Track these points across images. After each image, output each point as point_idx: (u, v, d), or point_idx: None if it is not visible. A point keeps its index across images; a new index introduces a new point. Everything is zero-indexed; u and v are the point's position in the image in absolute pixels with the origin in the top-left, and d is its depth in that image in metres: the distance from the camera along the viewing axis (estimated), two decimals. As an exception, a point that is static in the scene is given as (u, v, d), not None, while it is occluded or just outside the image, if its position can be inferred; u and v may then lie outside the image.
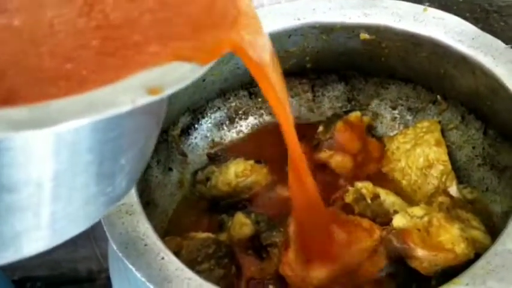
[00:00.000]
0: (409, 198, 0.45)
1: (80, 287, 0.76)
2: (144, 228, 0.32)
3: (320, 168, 0.46)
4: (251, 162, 0.47)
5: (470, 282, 0.29)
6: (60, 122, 0.19)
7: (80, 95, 0.20)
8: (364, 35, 0.48)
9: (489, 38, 0.42)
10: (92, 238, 0.71)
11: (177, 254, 0.40)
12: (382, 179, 0.46)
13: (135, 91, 0.21)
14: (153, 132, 0.27)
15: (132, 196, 0.35)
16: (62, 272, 0.76)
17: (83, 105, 0.20)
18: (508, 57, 0.41)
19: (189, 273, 0.30)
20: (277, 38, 0.49)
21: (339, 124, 0.47)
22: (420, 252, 0.38)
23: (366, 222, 0.41)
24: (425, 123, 0.49)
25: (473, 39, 0.42)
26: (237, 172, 0.46)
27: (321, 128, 0.48)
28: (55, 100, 0.20)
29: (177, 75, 0.22)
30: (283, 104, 0.33)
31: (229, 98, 0.53)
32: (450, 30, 0.43)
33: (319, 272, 0.40)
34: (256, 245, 0.42)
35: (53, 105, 0.20)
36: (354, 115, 0.48)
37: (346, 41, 0.49)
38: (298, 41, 0.49)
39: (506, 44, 0.44)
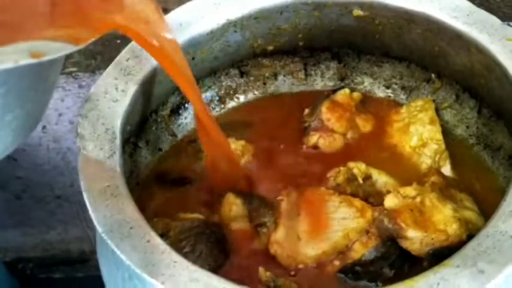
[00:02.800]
0: (402, 178, 0.44)
1: (72, 268, 0.76)
2: (130, 210, 0.32)
3: (313, 150, 0.46)
4: (242, 142, 0.46)
5: (461, 264, 0.28)
6: None
7: None
8: (357, 12, 0.47)
9: (484, 14, 0.41)
10: (83, 219, 0.71)
11: (165, 235, 0.39)
12: (375, 157, 0.45)
13: (20, 53, 0.25)
14: (42, 97, 0.32)
15: (118, 177, 0.34)
16: (53, 253, 0.76)
17: None
18: (504, 34, 0.40)
19: (175, 256, 0.30)
20: (269, 15, 0.48)
21: (325, 104, 0.46)
22: (411, 232, 0.38)
23: (357, 202, 0.41)
24: (420, 102, 0.48)
25: (468, 15, 0.41)
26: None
27: (307, 111, 0.47)
28: None
29: (58, 46, 0.26)
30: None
31: (219, 77, 0.52)
32: (445, 6, 0.42)
33: (309, 251, 0.39)
34: (247, 225, 0.42)
35: None
36: (342, 93, 0.47)
37: (339, 18, 0.48)
38: (290, 17, 0.48)
39: (503, 20, 0.43)
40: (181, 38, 0.45)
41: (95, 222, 0.31)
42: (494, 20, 0.41)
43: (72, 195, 0.69)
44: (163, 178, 0.46)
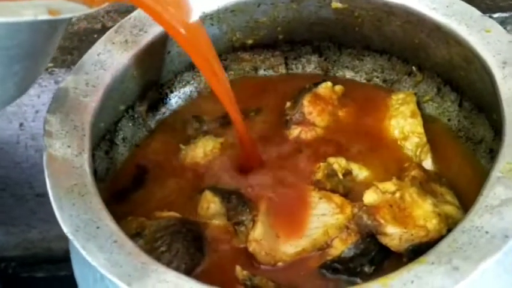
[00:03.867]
0: (383, 172, 0.43)
1: (55, 267, 0.75)
2: (97, 210, 0.31)
3: (297, 143, 0.45)
4: (221, 140, 0.45)
5: (436, 260, 0.28)
6: None
7: None
8: (335, 4, 0.46)
9: (464, 5, 0.41)
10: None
11: (140, 234, 0.38)
12: (357, 151, 0.45)
13: (38, 9, 0.25)
14: (46, 52, 0.33)
15: (86, 176, 0.33)
16: (35, 252, 0.75)
17: None
18: (483, 25, 0.39)
19: (142, 256, 0.29)
20: (245, 8, 0.47)
21: (307, 98, 0.45)
22: (391, 228, 0.37)
23: (337, 198, 0.40)
24: (401, 95, 0.47)
25: (447, 6, 0.41)
26: (205, 151, 0.45)
27: (288, 104, 0.46)
28: None
29: (72, 6, 0.27)
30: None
31: (198, 72, 0.51)
32: (424, -2, 0.42)
33: (288, 249, 0.38)
34: (225, 223, 0.41)
35: None
36: (324, 86, 0.46)
37: (317, 10, 0.47)
38: (268, 10, 0.47)
39: (485, 12, 0.42)
40: (156, 30, 0.44)
41: (60, 222, 0.30)
42: (473, 11, 0.40)
43: (52, 193, 0.68)
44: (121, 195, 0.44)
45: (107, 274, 0.28)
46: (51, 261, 0.75)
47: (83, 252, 0.28)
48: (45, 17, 0.26)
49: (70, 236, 0.29)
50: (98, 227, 0.30)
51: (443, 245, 0.29)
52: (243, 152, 0.43)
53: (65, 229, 0.30)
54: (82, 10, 0.28)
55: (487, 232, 0.28)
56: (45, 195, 0.70)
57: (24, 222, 0.72)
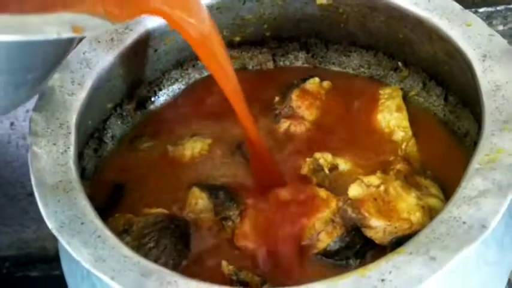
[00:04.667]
0: (369, 166, 0.44)
1: (48, 266, 0.75)
2: (82, 206, 0.31)
3: (286, 136, 0.45)
4: (209, 141, 0.46)
5: (414, 251, 0.28)
6: None
7: (14, 16, 0.25)
8: (320, 0, 0.46)
9: (445, 0, 0.41)
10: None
11: (126, 231, 0.39)
12: (344, 145, 0.45)
13: (62, 26, 0.25)
14: (57, 63, 0.34)
15: (71, 172, 0.33)
16: (29, 252, 0.75)
17: (17, 24, 0.24)
18: (464, 19, 0.40)
19: (126, 250, 0.29)
20: (231, 5, 0.47)
21: (295, 92, 0.46)
22: (375, 221, 0.38)
23: (322, 193, 0.41)
24: (387, 90, 0.48)
25: (429, 1, 0.41)
26: (194, 153, 0.45)
27: (277, 99, 0.46)
28: None
29: (95, 22, 0.27)
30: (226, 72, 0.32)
31: (187, 69, 0.51)
32: (406, -7, 0.42)
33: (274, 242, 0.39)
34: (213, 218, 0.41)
35: None
36: (312, 81, 0.47)
37: (303, 7, 0.48)
38: (254, 7, 0.48)
39: (471, 7, 0.43)
40: (142, 29, 0.44)
41: (45, 219, 0.30)
42: (454, 5, 0.41)
43: (44, 192, 0.68)
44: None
45: (91, 269, 0.28)
46: (45, 260, 0.76)
47: (68, 248, 0.29)
48: (68, 35, 0.25)
49: (55, 232, 0.30)
50: (82, 223, 0.30)
51: (421, 236, 0.29)
52: (259, 168, 0.42)
53: (50, 225, 0.30)
54: (105, 26, 0.27)
55: (464, 222, 0.29)
56: (37, 194, 0.71)
57: (17, 222, 0.73)
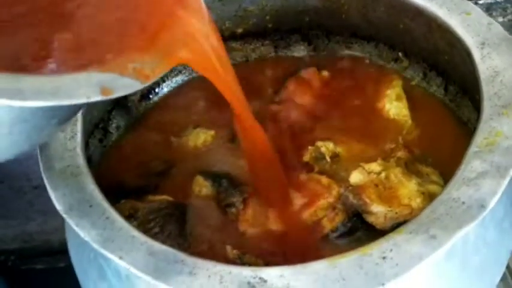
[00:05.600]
0: (369, 153, 0.44)
1: (53, 259, 0.76)
2: (90, 189, 0.32)
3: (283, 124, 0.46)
4: (212, 132, 0.46)
5: (414, 230, 0.29)
6: (29, 100, 0.24)
7: (47, 77, 0.25)
8: (322, -9, 0.47)
9: (445, -11, 0.42)
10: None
11: (132, 216, 0.39)
12: (344, 133, 0.45)
13: (92, 88, 0.25)
14: (81, 106, 0.34)
15: (79, 157, 0.34)
16: (34, 245, 0.76)
17: (49, 89, 0.24)
18: (463, 8, 0.40)
19: (133, 231, 0.30)
20: (234, -4, 0.48)
21: (291, 80, 0.46)
22: (376, 207, 0.38)
23: (324, 180, 0.41)
24: (387, 79, 0.48)
25: (428, -9, 0.42)
26: (197, 144, 0.46)
27: (270, 90, 0.47)
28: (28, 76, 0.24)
29: (124, 82, 0.27)
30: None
31: (189, 61, 0.52)
32: (406, -18, 0.43)
33: (278, 229, 0.39)
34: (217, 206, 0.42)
35: (25, 81, 0.24)
36: (308, 71, 0.47)
37: (304, -2, 0.48)
38: (256, -1, 0.49)
39: (470, -3, 0.43)
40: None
41: (54, 201, 0.31)
42: (453, -6, 0.41)
43: (49, 185, 0.69)
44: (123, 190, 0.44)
45: (100, 249, 0.29)
46: (50, 253, 0.76)
47: (77, 229, 0.30)
48: (97, 98, 0.25)
49: (64, 215, 0.31)
50: (90, 206, 0.31)
51: (421, 216, 0.30)
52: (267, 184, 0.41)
53: (59, 207, 0.31)
54: (134, 87, 0.27)
55: (463, 203, 0.29)
56: (42, 187, 0.72)
57: (22, 215, 0.73)
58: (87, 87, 0.25)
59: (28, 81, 0.24)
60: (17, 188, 0.70)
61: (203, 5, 0.33)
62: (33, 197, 0.71)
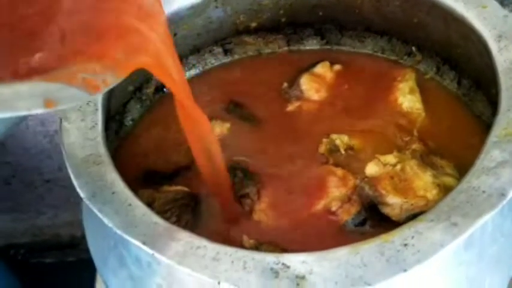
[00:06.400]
0: (383, 146, 0.45)
1: (63, 253, 0.77)
2: (112, 177, 0.32)
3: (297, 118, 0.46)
4: (227, 125, 0.47)
5: (435, 218, 0.29)
6: None
7: None
8: (336, -15, 0.47)
9: (460, -18, 0.42)
10: (73, 203, 0.71)
11: (149, 205, 0.40)
12: (357, 126, 0.46)
13: (33, 100, 0.24)
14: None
15: (100, 147, 0.34)
16: (44, 239, 0.77)
17: None
18: (479, 1, 0.40)
19: (155, 217, 0.30)
20: (248, -9, 0.48)
21: (304, 76, 0.46)
22: (391, 199, 0.39)
23: (339, 171, 0.42)
24: (401, 72, 0.48)
25: (444, -16, 0.42)
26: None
27: (285, 84, 0.47)
28: None
29: (71, 92, 0.25)
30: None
31: (203, 55, 0.52)
32: (421, -24, 0.43)
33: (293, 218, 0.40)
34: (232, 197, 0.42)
35: None
36: (321, 65, 0.48)
37: (318, -8, 0.49)
38: (271, -8, 0.49)
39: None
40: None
41: (78, 189, 0.31)
42: (469, -12, 0.41)
43: (61, 179, 0.69)
44: (152, 177, 0.44)
45: (123, 234, 0.29)
46: (60, 247, 0.77)
47: (100, 215, 0.30)
48: (39, 110, 0.24)
49: (87, 201, 0.31)
50: (113, 192, 0.31)
51: (442, 205, 0.30)
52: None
53: (82, 194, 0.31)
54: (80, 98, 0.26)
55: (484, 191, 0.30)
56: (53, 180, 0.72)
57: (33, 209, 0.74)
58: (29, 99, 0.24)
59: None
60: (28, 182, 0.70)
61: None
62: (44, 191, 0.71)
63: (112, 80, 0.27)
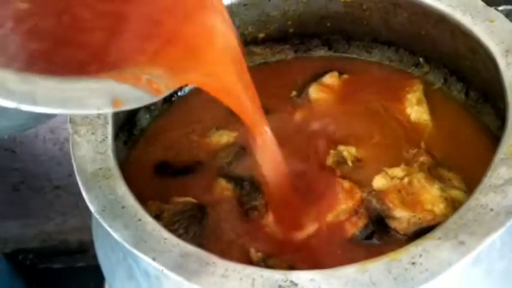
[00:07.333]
0: (390, 158, 0.45)
1: (71, 258, 0.77)
2: (122, 191, 0.33)
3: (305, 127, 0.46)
4: (234, 134, 0.47)
5: (443, 236, 0.29)
6: (40, 105, 0.23)
7: (61, 82, 0.23)
8: (344, -4, 0.48)
9: (468, -4, 0.42)
10: (81, 208, 0.72)
11: (158, 217, 0.40)
12: (366, 137, 0.46)
13: (104, 98, 0.24)
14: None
15: (110, 160, 0.35)
16: (53, 244, 0.77)
17: (61, 96, 0.23)
18: (487, 15, 0.41)
19: (165, 233, 0.31)
20: (257, 2, 0.48)
21: (313, 86, 0.47)
22: (399, 212, 0.39)
23: (346, 184, 0.42)
24: (408, 83, 0.49)
25: (452, -2, 0.42)
26: (220, 145, 0.46)
27: (294, 93, 0.48)
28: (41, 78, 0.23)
29: (136, 94, 0.25)
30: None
31: (211, 65, 0.53)
32: (429, -11, 0.43)
33: (300, 233, 0.40)
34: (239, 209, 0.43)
35: (37, 85, 0.23)
36: (330, 75, 0.48)
37: (327, 4, 0.49)
38: (279, 4, 0.49)
39: (490, 5, 0.44)
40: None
41: (88, 203, 0.32)
42: (477, 2, 0.42)
43: (69, 185, 0.70)
44: (165, 169, 0.45)
45: (133, 249, 0.29)
46: (68, 252, 0.78)
47: (110, 230, 0.30)
48: (108, 110, 0.25)
49: (97, 216, 0.31)
50: (123, 207, 0.31)
51: (449, 222, 0.30)
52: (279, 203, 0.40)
53: (93, 209, 0.32)
54: (146, 100, 0.26)
55: (491, 209, 0.30)
56: (62, 187, 0.73)
57: (41, 215, 0.74)
58: (99, 98, 0.24)
59: (40, 85, 0.23)
60: (37, 188, 0.71)
61: (231, 25, 0.31)
62: (53, 197, 0.72)
63: (173, 84, 0.27)
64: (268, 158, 0.37)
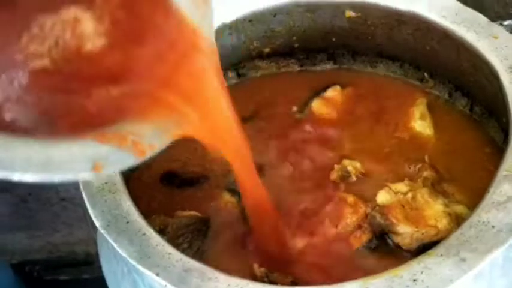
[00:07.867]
0: (395, 172, 0.45)
1: (77, 270, 0.77)
2: (126, 206, 0.33)
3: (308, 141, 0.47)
4: None
5: (444, 253, 0.29)
6: (17, 172, 0.23)
7: (41, 144, 0.23)
8: (349, 13, 0.48)
9: (472, 13, 0.42)
10: (88, 220, 0.72)
11: (162, 231, 0.40)
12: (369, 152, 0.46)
13: (84, 163, 0.24)
14: None
15: (115, 175, 0.35)
16: (59, 256, 0.78)
17: (40, 159, 0.23)
18: (490, 31, 0.41)
19: (169, 248, 0.31)
20: (262, 17, 0.49)
21: (316, 101, 0.47)
22: (403, 228, 0.39)
23: (350, 198, 0.42)
24: (412, 98, 0.49)
25: (456, 14, 0.42)
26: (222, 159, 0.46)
27: (295, 108, 0.48)
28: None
29: (118, 156, 0.25)
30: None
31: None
32: (433, 6, 0.43)
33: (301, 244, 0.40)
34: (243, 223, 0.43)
35: (19, 150, 0.23)
36: (332, 89, 0.48)
37: (332, 19, 0.49)
38: (284, 20, 0.50)
39: (494, 19, 0.44)
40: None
41: (93, 217, 0.32)
42: (481, 18, 0.42)
43: (76, 197, 0.70)
44: (171, 179, 0.46)
45: (137, 265, 0.30)
46: (75, 264, 0.78)
47: (115, 245, 0.31)
48: (86, 174, 0.24)
49: (102, 230, 0.32)
50: (127, 222, 0.32)
51: (451, 239, 0.30)
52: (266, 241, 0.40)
53: (97, 224, 0.32)
54: (128, 163, 0.25)
55: (493, 226, 0.30)
56: (69, 199, 0.73)
57: (48, 226, 0.75)
58: (79, 161, 0.24)
59: (19, 148, 0.23)
60: (44, 199, 0.71)
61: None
62: (59, 208, 0.72)
63: (159, 145, 0.27)
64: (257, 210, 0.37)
